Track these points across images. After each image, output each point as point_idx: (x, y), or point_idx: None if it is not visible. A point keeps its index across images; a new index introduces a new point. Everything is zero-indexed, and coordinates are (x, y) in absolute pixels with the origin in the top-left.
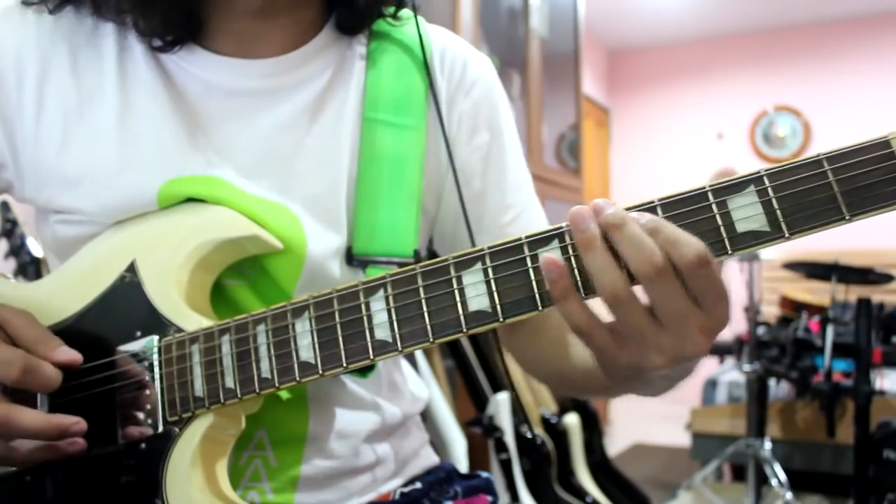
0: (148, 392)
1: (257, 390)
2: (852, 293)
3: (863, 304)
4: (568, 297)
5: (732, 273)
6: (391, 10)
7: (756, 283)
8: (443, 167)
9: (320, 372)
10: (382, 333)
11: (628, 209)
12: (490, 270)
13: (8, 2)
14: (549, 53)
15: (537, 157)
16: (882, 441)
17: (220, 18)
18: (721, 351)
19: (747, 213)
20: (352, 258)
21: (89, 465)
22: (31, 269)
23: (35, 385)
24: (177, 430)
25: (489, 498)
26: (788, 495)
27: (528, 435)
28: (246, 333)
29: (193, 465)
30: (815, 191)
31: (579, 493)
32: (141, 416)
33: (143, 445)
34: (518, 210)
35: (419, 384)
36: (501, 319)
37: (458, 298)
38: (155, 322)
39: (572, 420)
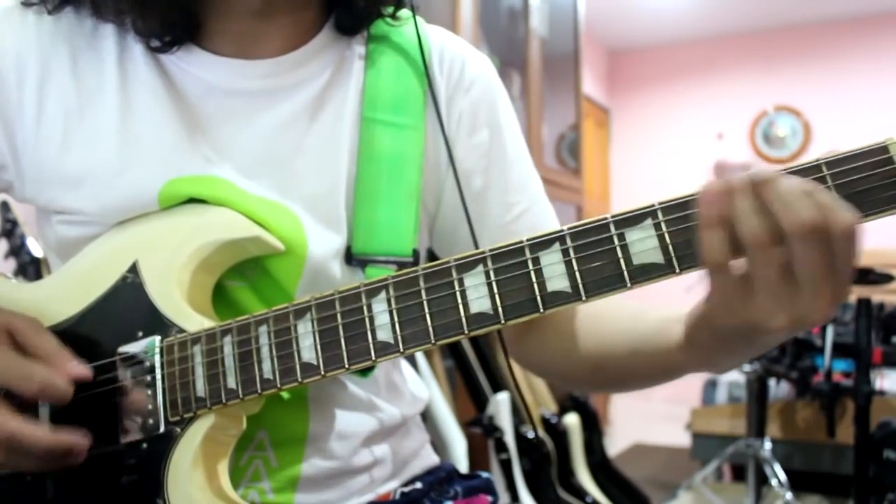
0: (149, 392)
1: (259, 391)
2: (852, 293)
3: (863, 304)
4: (715, 226)
5: None
6: (390, 10)
7: None
8: (442, 166)
9: (322, 373)
10: (384, 335)
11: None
12: (492, 273)
13: (8, 2)
14: (549, 53)
15: (537, 158)
16: (882, 441)
17: (219, 19)
18: None
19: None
20: (351, 257)
21: (91, 465)
22: (31, 269)
23: (50, 400)
24: (178, 430)
25: (489, 498)
26: (788, 495)
27: (529, 435)
28: (248, 334)
29: (195, 465)
30: None
31: (579, 493)
32: (142, 416)
33: (145, 445)
34: (523, 207)
35: (419, 385)
36: (503, 321)
37: (459, 300)
38: (157, 322)
39: (572, 420)
